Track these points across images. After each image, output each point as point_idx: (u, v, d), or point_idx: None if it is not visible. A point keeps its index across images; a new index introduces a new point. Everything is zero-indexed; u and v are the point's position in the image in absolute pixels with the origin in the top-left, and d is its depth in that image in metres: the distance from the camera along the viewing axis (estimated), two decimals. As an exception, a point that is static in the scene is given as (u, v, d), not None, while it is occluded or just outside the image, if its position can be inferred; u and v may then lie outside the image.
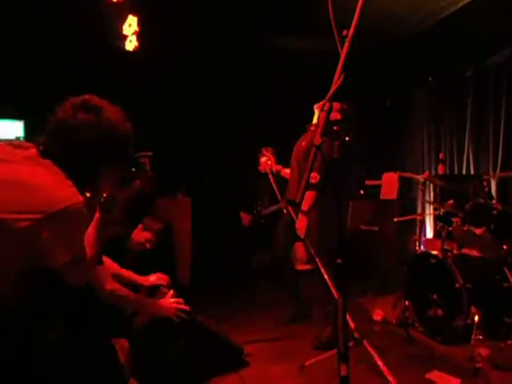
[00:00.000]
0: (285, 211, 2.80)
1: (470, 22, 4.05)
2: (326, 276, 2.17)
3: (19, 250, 1.01)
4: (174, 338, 1.82)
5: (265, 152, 3.60)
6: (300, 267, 2.86)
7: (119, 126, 1.22)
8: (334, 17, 1.15)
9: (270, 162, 3.12)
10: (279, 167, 3.30)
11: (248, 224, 4.62)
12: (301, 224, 2.71)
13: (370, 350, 2.06)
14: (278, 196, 2.76)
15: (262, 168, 3.43)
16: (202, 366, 2.00)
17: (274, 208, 4.24)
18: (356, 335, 1.93)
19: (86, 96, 1.21)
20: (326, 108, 1.09)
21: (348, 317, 1.93)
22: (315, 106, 2.93)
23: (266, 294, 4.18)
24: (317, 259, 2.44)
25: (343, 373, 1.13)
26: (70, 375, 1.12)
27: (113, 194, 1.42)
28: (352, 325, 1.85)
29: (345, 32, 1.12)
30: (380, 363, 2.06)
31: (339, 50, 1.14)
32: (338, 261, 1.14)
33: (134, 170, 1.54)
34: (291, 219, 2.66)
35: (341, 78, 1.09)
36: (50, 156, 1.12)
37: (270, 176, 2.96)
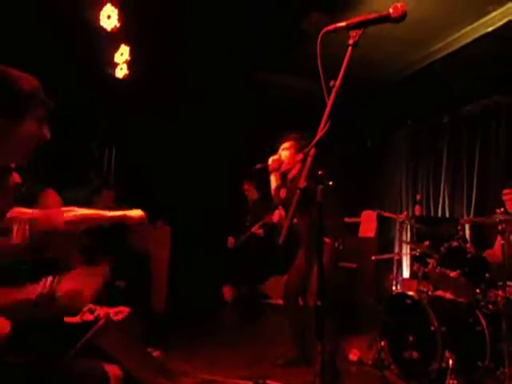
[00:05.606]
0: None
1: (444, 74, 4.31)
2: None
3: None
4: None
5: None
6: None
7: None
8: (322, 67, 1.21)
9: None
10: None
11: (231, 247, 4.79)
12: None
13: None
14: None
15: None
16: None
17: (247, 235, 4.58)
18: None
19: None
20: (311, 153, 1.12)
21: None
22: (281, 147, 3.03)
23: (236, 329, 4.18)
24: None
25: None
26: None
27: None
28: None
29: (332, 82, 1.17)
30: None
31: (326, 99, 1.19)
32: (318, 303, 1.14)
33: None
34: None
35: (326, 126, 1.14)
36: None
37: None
